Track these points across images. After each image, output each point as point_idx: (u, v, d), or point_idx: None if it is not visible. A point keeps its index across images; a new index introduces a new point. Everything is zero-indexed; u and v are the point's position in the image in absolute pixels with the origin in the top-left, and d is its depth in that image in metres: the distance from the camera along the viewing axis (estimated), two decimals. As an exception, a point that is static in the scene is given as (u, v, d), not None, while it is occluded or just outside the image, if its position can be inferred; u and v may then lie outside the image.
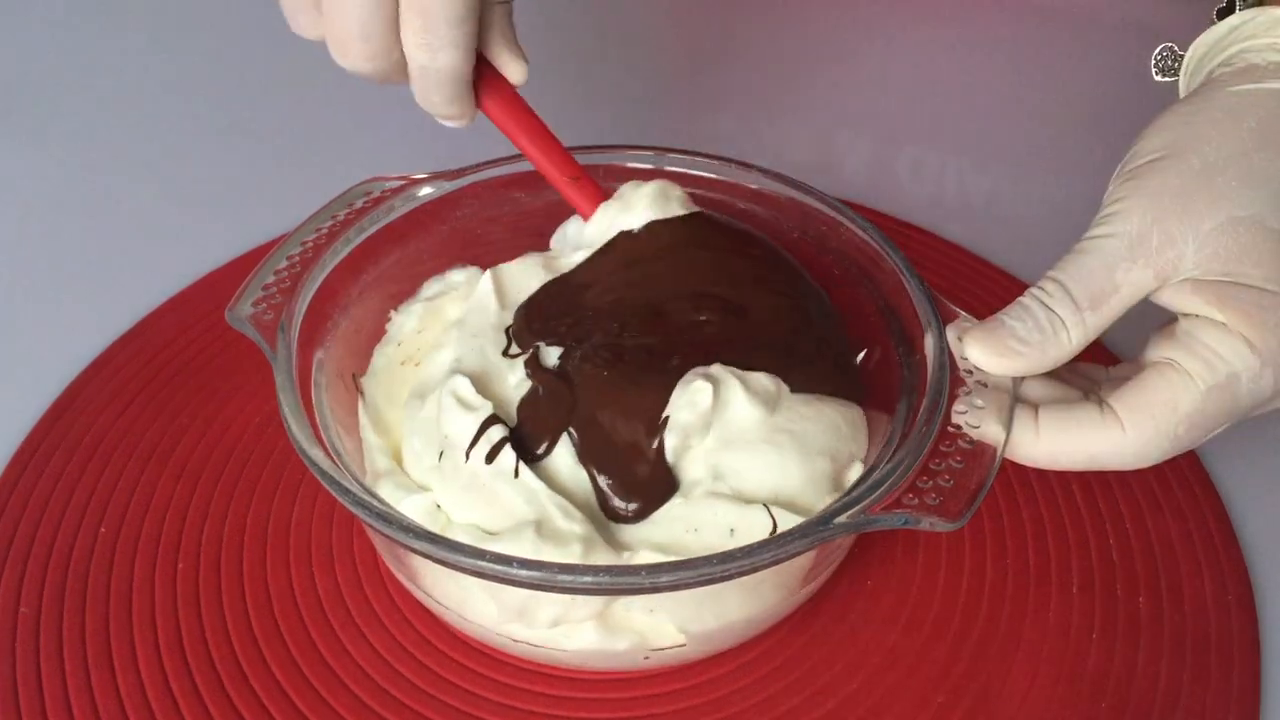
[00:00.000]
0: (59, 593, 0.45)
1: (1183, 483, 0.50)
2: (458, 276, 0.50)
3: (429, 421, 0.42)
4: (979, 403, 0.38)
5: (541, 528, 0.38)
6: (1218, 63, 0.42)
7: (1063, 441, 0.37)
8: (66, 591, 0.45)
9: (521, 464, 0.40)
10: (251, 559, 0.46)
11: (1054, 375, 0.40)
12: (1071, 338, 0.37)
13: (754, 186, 0.49)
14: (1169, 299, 0.38)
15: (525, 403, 0.42)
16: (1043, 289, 0.38)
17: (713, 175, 0.50)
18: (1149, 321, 0.39)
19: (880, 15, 0.85)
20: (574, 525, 0.38)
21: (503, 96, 0.45)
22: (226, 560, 0.46)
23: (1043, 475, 0.50)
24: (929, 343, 0.41)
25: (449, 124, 0.43)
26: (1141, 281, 0.37)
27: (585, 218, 0.47)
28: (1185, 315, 0.37)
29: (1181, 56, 0.45)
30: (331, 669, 0.43)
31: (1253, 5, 0.42)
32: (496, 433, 0.40)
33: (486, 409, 0.41)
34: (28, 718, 0.41)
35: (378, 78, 0.41)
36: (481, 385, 0.42)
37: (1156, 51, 0.45)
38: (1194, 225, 0.37)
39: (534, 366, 0.43)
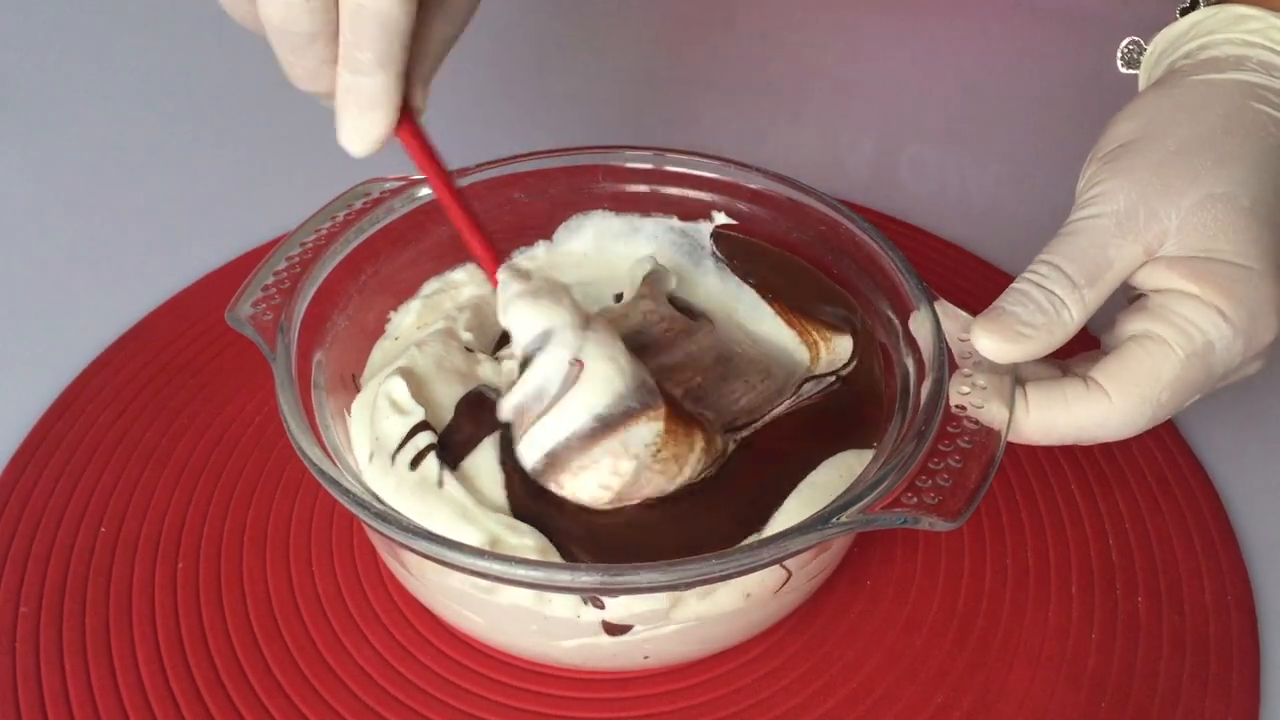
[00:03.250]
0: (59, 592, 0.45)
1: (1182, 483, 0.50)
2: (458, 275, 0.50)
3: (366, 407, 0.43)
4: (978, 401, 0.38)
5: (496, 547, 0.38)
6: (1179, 55, 0.43)
7: (1052, 415, 0.38)
8: (66, 591, 0.45)
9: (448, 474, 0.40)
10: (251, 559, 0.46)
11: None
12: (1073, 315, 0.38)
13: (754, 187, 0.49)
14: (1145, 277, 0.39)
15: (463, 402, 0.43)
16: (1037, 272, 0.39)
17: (713, 176, 0.50)
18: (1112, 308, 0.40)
19: (881, 15, 0.85)
20: (524, 538, 0.39)
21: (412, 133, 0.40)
22: (226, 560, 0.46)
23: (1042, 475, 0.50)
24: (927, 343, 0.41)
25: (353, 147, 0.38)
26: (1132, 256, 0.39)
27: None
28: (1157, 291, 0.39)
29: (1145, 49, 0.47)
30: (331, 668, 0.43)
31: (1215, 2, 0.43)
32: (424, 439, 0.40)
33: (418, 414, 0.41)
34: (28, 718, 0.41)
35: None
36: (420, 388, 0.43)
37: (1123, 44, 0.47)
38: (1175, 201, 0.38)
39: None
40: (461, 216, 0.41)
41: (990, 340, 0.38)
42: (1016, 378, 0.39)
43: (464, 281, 0.50)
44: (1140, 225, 0.38)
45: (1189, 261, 0.38)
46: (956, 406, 0.38)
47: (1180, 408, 0.38)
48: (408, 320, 0.48)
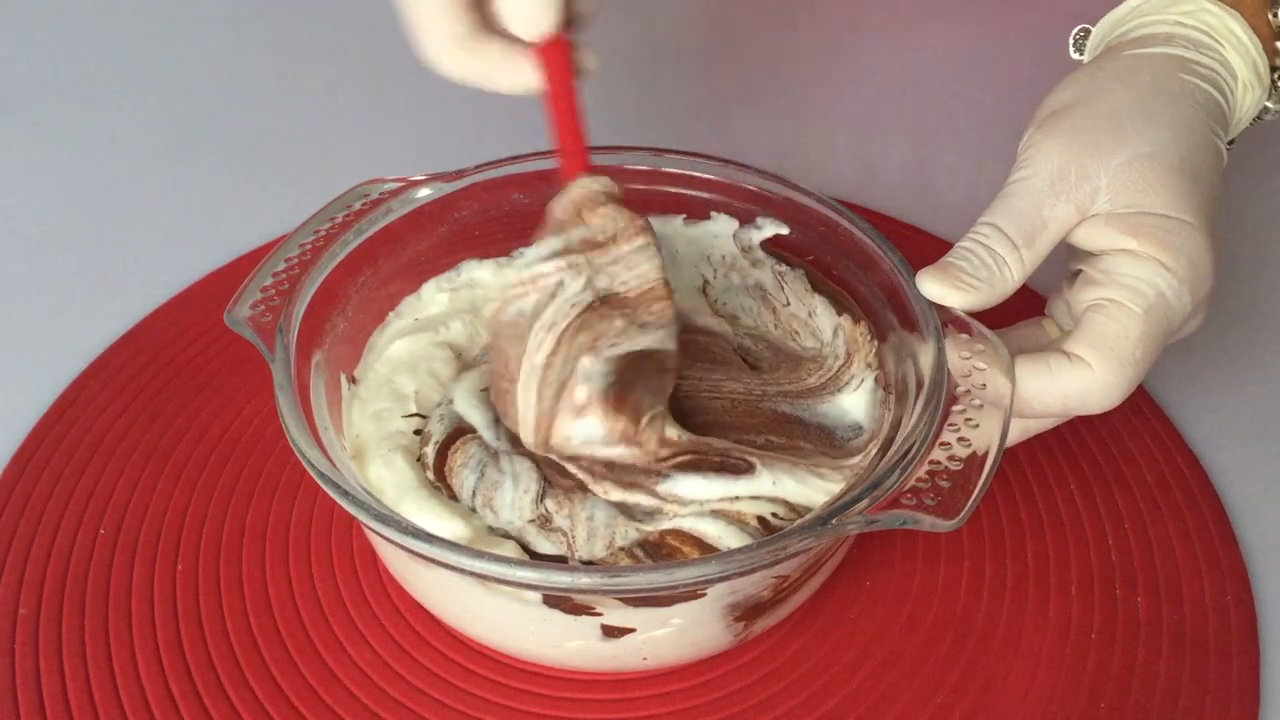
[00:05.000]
0: (59, 593, 0.45)
1: (1182, 483, 0.50)
2: (480, 273, 0.50)
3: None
4: (980, 381, 0.39)
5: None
6: (1115, 35, 0.46)
7: (1039, 384, 0.39)
8: (66, 592, 0.45)
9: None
10: (251, 559, 0.46)
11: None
12: (1013, 273, 0.40)
13: (752, 188, 0.49)
14: (1085, 236, 0.41)
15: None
16: (980, 232, 0.41)
17: (711, 176, 0.50)
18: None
19: (882, 15, 0.85)
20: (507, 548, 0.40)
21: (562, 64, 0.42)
22: (226, 561, 0.46)
23: (1042, 475, 0.50)
24: (926, 342, 0.41)
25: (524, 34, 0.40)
26: (1065, 216, 0.41)
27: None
28: (1096, 256, 0.41)
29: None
30: (330, 669, 0.43)
31: None
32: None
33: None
34: (27, 718, 0.41)
35: None
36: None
37: (1074, 31, 0.49)
38: (1105, 161, 0.40)
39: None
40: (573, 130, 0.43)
41: (935, 286, 0.41)
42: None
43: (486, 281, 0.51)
44: (1072, 184, 0.40)
45: (1124, 217, 0.40)
46: (960, 392, 0.38)
47: (1152, 362, 0.40)
48: (433, 310, 0.49)
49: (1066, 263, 0.44)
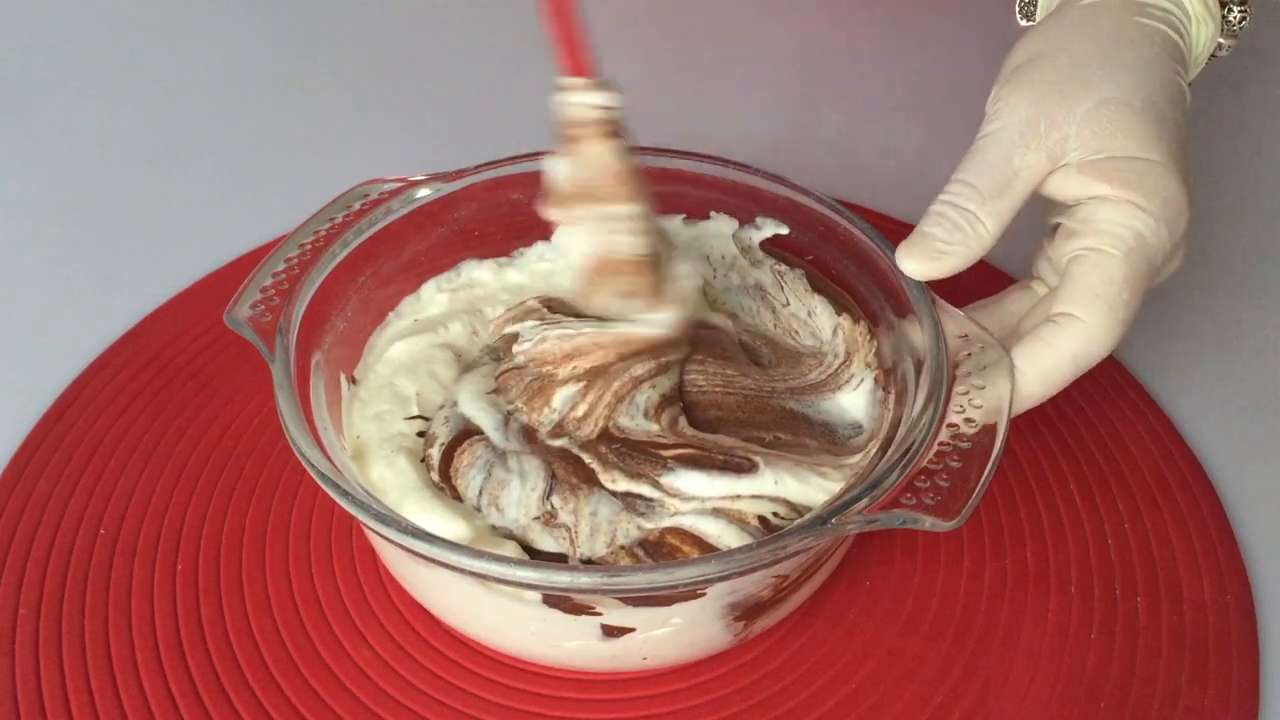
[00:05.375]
0: (59, 593, 0.45)
1: (1181, 483, 0.50)
2: (480, 273, 0.50)
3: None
4: (979, 382, 0.39)
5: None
6: None
7: (1044, 361, 0.40)
8: (66, 592, 0.45)
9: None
10: (251, 560, 0.46)
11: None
12: (988, 228, 0.41)
13: (751, 187, 0.49)
14: (1058, 186, 0.41)
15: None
16: (950, 192, 0.41)
17: (711, 176, 0.50)
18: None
19: (883, 12, 0.85)
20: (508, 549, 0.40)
21: None
22: (226, 561, 0.46)
23: (1042, 475, 0.50)
24: (926, 342, 0.41)
25: None
26: (1036, 164, 0.41)
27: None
28: (1073, 206, 0.41)
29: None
30: (330, 670, 0.43)
31: None
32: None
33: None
34: (27, 718, 0.41)
35: None
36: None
37: None
38: (1072, 108, 0.41)
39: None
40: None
41: (914, 262, 0.41)
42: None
43: (487, 281, 0.51)
44: (1041, 133, 0.41)
45: (1095, 164, 0.40)
46: (959, 392, 0.38)
47: (1139, 302, 0.40)
48: (432, 311, 0.49)
49: (1045, 219, 0.44)
